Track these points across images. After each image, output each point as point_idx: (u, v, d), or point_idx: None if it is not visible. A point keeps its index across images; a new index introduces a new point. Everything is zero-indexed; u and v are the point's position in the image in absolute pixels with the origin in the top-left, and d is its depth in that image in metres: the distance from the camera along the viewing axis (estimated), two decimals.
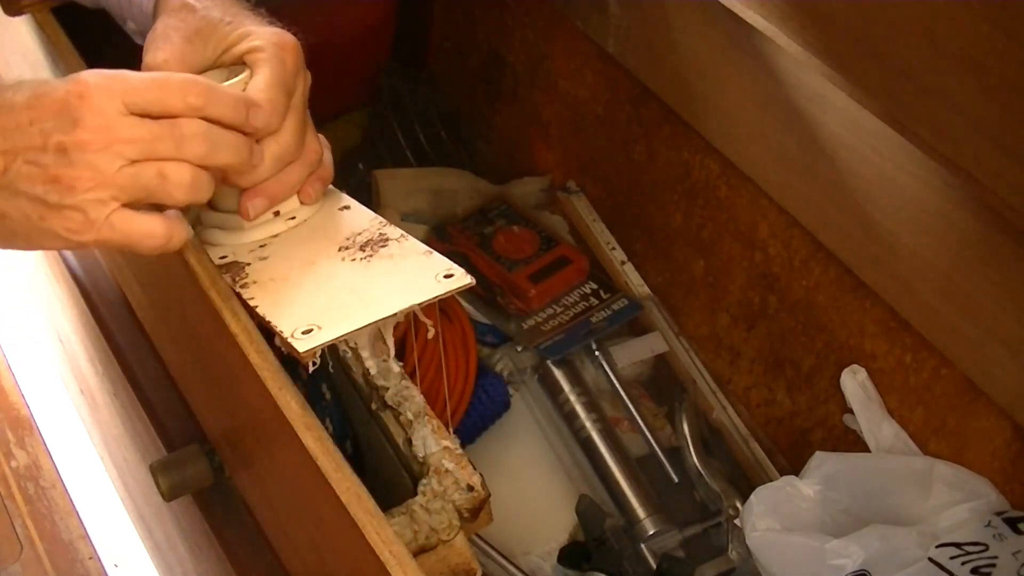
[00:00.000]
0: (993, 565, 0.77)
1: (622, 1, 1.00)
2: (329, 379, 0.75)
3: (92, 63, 0.77)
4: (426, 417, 0.68)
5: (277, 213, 0.70)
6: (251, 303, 0.66)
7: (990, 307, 0.76)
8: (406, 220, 1.14)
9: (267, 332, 0.65)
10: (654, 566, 0.94)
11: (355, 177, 1.23)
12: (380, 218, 0.71)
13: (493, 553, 0.92)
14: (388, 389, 0.69)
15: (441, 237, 1.13)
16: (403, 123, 1.27)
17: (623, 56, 1.03)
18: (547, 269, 1.08)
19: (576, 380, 1.03)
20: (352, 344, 0.65)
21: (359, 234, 0.70)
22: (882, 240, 0.82)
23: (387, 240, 0.69)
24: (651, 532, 0.95)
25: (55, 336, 1.03)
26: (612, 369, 1.05)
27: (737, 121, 0.92)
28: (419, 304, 0.63)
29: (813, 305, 0.93)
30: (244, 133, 0.64)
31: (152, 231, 0.62)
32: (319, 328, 0.62)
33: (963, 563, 0.77)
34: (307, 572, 0.80)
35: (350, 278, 0.66)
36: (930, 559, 0.78)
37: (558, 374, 1.03)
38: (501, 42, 1.22)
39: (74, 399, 0.98)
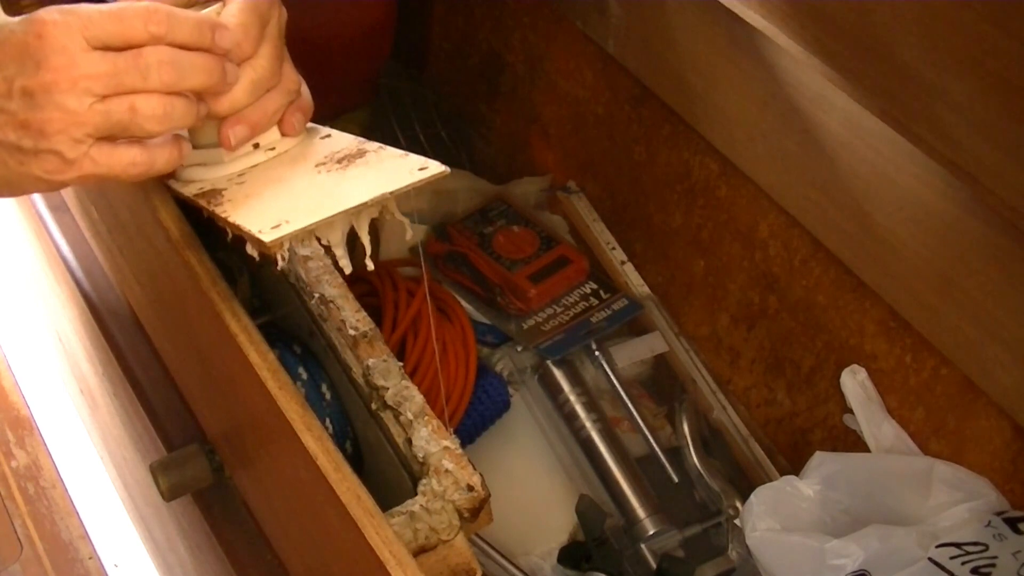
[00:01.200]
0: (993, 565, 0.77)
1: (622, 1, 1.00)
2: (329, 379, 0.76)
3: None
4: (426, 417, 0.68)
5: (257, 146, 0.69)
6: (222, 214, 0.65)
7: (990, 307, 0.76)
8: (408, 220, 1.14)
9: (247, 253, 0.64)
10: (654, 566, 0.94)
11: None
12: (361, 138, 0.70)
13: (493, 553, 0.92)
14: (388, 389, 0.69)
15: (441, 237, 1.13)
16: (403, 123, 1.27)
17: (623, 56, 1.03)
18: (547, 269, 1.08)
19: (576, 380, 1.03)
20: (325, 242, 0.64)
21: (338, 152, 0.69)
22: (882, 240, 0.82)
23: (365, 152, 0.67)
24: (651, 532, 0.95)
25: (55, 336, 1.03)
26: (612, 369, 1.05)
27: (737, 121, 0.92)
28: (391, 192, 0.62)
29: (813, 305, 0.93)
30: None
31: (133, 159, 0.62)
32: (287, 222, 0.61)
33: (963, 563, 0.77)
34: (307, 572, 0.80)
35: (325, 184, 0.66)
36: (930, 559, 0.78)
37: (558, 374, 1.03)
38: (501, 42, 1.22)
39: (74, 399, 0.98)
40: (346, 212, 0.62)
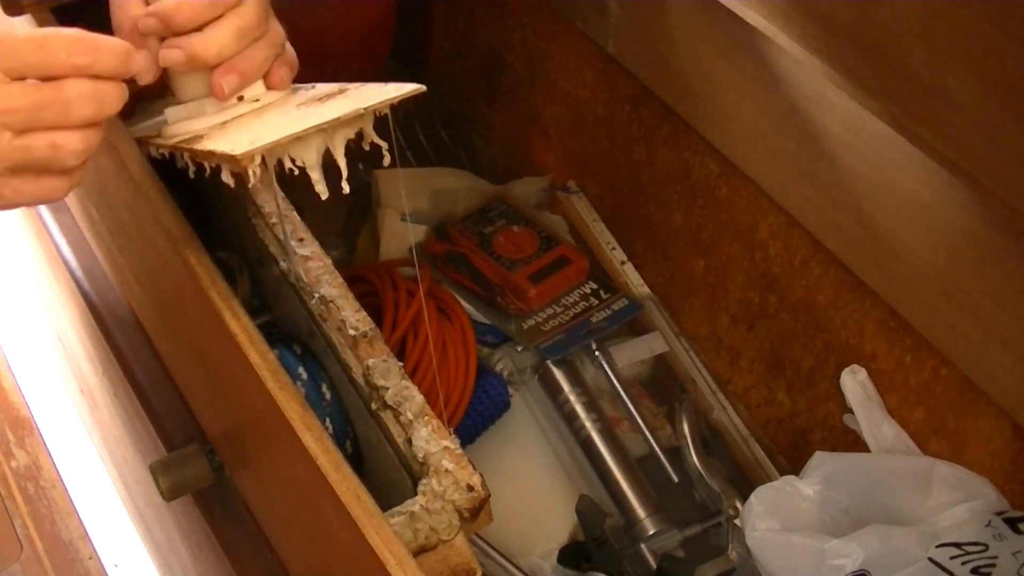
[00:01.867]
0: (993, 565, 0.77)
1: (622, 1, 1.00)
2: (329, 379, 0.76)
3: None
4: (426, 417, 0.68)
5: (241, 98, 0.69)
6: (198, 147, 0.64)
7: (990, 307, 0.76)
8: (406, 220, 1.14)
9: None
10: (654, 566, 0.94)
11: (355, 177, 1.23)
12: (345, 84, 0.69)
13: (493, 553, 0.92)
14: (388, 389, 0.69)
15: (441, 237, 1.13)
16: (403, 123, 1.27)
17: (623, 56, 1.03)
18: (547, 269, 1.08)
19: (576, 380, 1.03)
20: (300, 163, 0.63)
21: (319, 94, 0.68)
22: (882, 240, 0.82)
23: (345, 89, 0.67)
24: (651, 532, 0.95)
25: (55, 336, 1.03)
26: (612, 369, 1.05)
27: (737, 121, 0.92)
28: (364, 108, 0.61)
29: (813, 305, 0.93)
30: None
31: (55, 188, 0.62)
32: (260, 140, 0.60)
33: (963, 563, 0.77)
34: (307, 572, 0.80)
35: (303, 113, 0.65)
36: (930, 559, 0.78)
37: (558, 374, 1.03)
38: (501, 42, 1.22)
39: (74, 399, 0.98)
40: (320, 128, 0.61)
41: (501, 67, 1.24)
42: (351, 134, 0.63)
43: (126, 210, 0.84)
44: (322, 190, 0.64)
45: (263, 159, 0.61)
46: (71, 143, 0.60)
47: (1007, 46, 0.64)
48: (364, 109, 0.61)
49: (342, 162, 0.64)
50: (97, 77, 0.60)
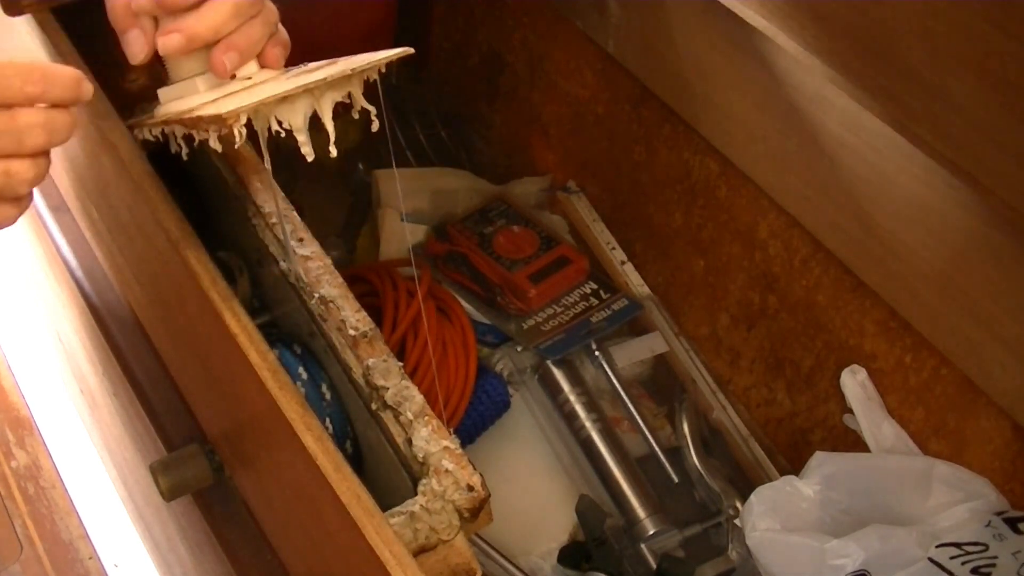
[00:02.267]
0: (993, 565, 0.77)
1: (622, 1, 1.00)
2: (329, 379, 0.76)
3: (92, 63, 0.77)
4: (426, 417, 0.68)
5: (233, 76, 0.69)
6: (187, 116, 0.64)
7: (990, 307, 0.76)
8: (406, 220, 1.14)
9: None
10: (654, 566, 0.94)
11: (355, 177, 1.23)
12: (336, 58, 0.69)
13: (493, 553, 0.92)
14: (388, 389, 0.69)
15: (441, 237, 1.13)
16: (403, 123, 1.27)
17: (623, 56, 1.03)
18: (547, 269, 1.08)
19: (576, 380, 1.03)
20: (287, 126, 0.63)
21: (309, 67, 0.68)
22: (882, 240, 0.82)
23: (336, 61, 0.67)
24: (651, 532, 0.95)
25: (55, 336, 1.03)
26: (612, 369, 1.05)
27: (737, 121, 0.92)
28: (351, 69, 0.61)
29: (813, 305, 0.93)
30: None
31: (5, 215, 0.62)
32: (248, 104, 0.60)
33: (963, 563, 0.77)
34: (307, 572, 0.80)
35: (292, 80, 0.65)
36: (930, 559, 0.78)
37: (558, 374, 1.03)
38: (501, 42, 1.22)
39: (74, 399, 0.98)
40: (307, 89, 0.61)
41: (501, 67, 1.24)
42: (338, 97, 0.63)
43: (126, 210, 0.84)
44: (308, 152, 0.64)
45: (249, 122, 0.61)
46: (22, 172, 0.60)
47: (1007, 46, 0.64)
48: (351, 70, 0.61)
49: (330, 126, 0.63)
50: (51, 105, 0.60)
